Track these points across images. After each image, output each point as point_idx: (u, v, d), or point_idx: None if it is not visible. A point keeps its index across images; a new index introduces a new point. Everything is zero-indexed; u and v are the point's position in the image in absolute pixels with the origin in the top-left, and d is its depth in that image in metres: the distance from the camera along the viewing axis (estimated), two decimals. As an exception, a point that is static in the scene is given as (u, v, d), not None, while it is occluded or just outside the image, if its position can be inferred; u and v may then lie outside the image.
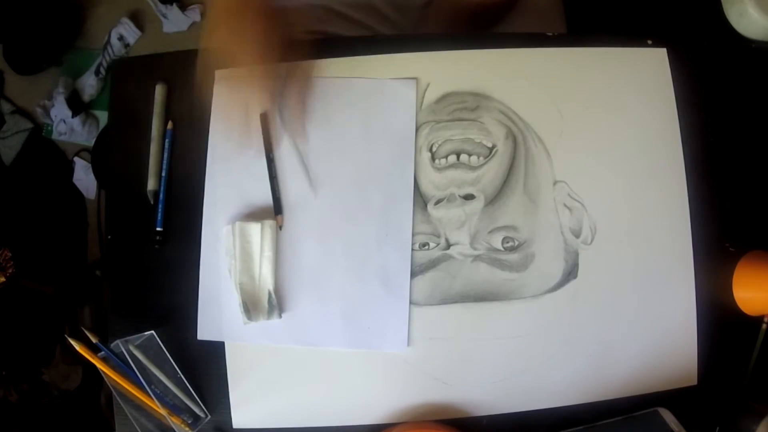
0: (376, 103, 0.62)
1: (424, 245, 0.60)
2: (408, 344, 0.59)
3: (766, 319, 0.62)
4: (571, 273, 0.61)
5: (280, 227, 0.60)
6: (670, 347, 0.61)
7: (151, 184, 0.62)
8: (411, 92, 0.62)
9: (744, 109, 0.65)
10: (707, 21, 0.69)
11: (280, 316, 0.59)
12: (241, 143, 0.60)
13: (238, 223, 0.59)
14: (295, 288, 0.60)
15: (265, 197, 0.61)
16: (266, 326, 0.60)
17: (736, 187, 0.64)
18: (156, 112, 0.63)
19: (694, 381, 0.60)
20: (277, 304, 0.59)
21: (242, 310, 0.58)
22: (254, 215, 0.61)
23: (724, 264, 0.62)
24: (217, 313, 0.60)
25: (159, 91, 0.64)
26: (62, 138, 1.56)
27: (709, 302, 0.61)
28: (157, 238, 0.62)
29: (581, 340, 0.60)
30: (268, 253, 0.59)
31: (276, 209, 0.60)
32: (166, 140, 0.63)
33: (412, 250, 0.60)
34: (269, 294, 0.59)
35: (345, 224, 0.60)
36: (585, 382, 0.60)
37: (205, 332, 0.60)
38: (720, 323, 0.61)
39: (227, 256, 0.60)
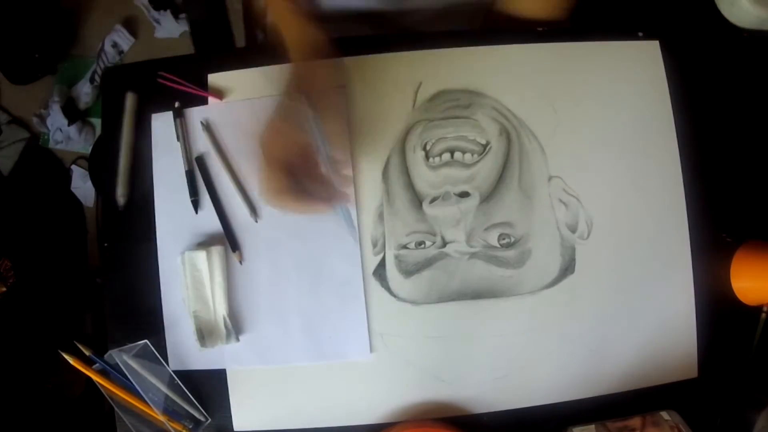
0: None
1: (420, 244, 0.60)
2: (371, 351, 0.59)
3: (765, 309, 0.61)
4: (568, 268, 0.60)
5: (241, 262, 0.60)
6: (670, 340, 0.61)
7: (120, 192, 0.63)
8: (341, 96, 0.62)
9: (737, 98, 0.65)
10: (698, 11, 0.69)
11: (238, 339, 0.59)
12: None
13: (186, 253, 0.59)
14: (253, 309, 0.60)
15: (216, 224, 0.61)
16: (229, 350, 0.60)
17: (731, 177, 0.64)
18: (126, 122, 0.64)
19: (694, 373, 0.60)
20: (232, 329, 0.59)
21: (196, 337, 0.59)
22: (207, 243, 0.61)
23: (721, 255, 0.62)
24: (184, 342, 0.60)
25: (129, 100, 0.64)
26: (59, 146, 1.56)
27: (707, 293, 0.61)
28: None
29: (580, 335, 0.60)
30: (219, 279, 0.59)
31: (232, 246, 0.60)
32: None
33: (408, 249, 0.60)
34: (224, 319, 0.59)
35: (292, 241, 0.61)
36: (585, 377, 0.60)
37: (175, 362, 0.60)
38: (719, 314, 0.61)
39: (182, 287, 0.60)
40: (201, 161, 0.62)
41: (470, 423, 0.59)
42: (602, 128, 0.63)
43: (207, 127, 0.62)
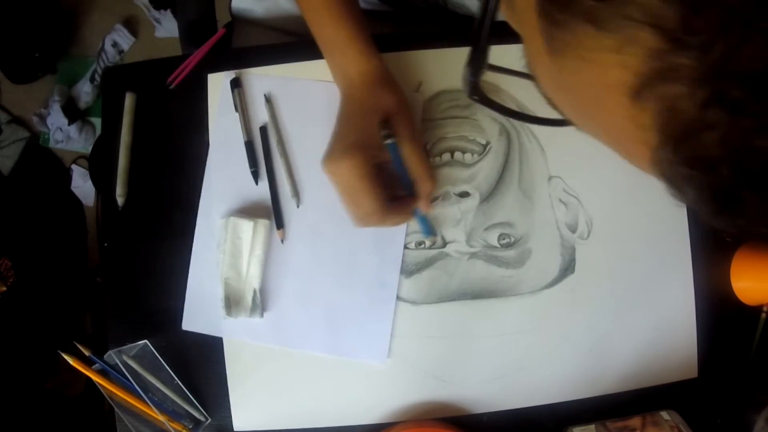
0: None
1: (420, 244, 0.60)
2: (388, 356, 0.59)
3: (765, 309, 0.61)
4: (568, 268, 0.60)
5: (282, 241, 0.61)
6: (670, 340, 0.61)
7: (119, 191, 0.63)
8: None
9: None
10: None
11: (262, 316, 0.59)
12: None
13: (231, 218, 0.59)
14: (281, 288, 0.60)
15: (264, 195, 0.61)
16: (248, 323, 0.60)
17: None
18: (125, 121, 0.63)
19: (694, 373, 0.60)
20: (260, 304, 0.59)
21: (223, 305, 0.59)
22: (250, 212, 0.61)
23: (721, 255, 0.62)
24: (203, 305, 0.60)
25: (128, 99, 0.64)
26: (59, 146, 1.56)
27: (707, 293, 0.61)
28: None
29: (580, 335, 0.60)
30: (258, 252, 0.59)
31: (278, 223, 0.61)
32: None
33: (409, 249, 0.60)
34: (254, 292, 0.59)
35: (336, 230, 0.60)
36: (585, 376, 0.60)
37: (189, 323, 0.61)
38: (719, 314, 0.61)
39: (217, 249, 0.60)
40: (263, 132, 0.62)
41: (470, 423, 0.59)
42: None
43: (269, 100, 0.62)
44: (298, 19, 0.73)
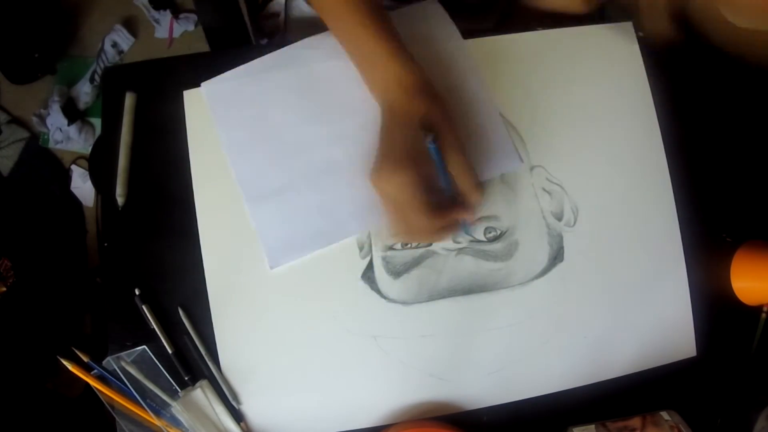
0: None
1: (406, 243, 0.60)
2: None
3: (765, 309, 0.61)
4: (557, 257, 0.60)
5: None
6: (666, 322, 0.61)
7: (119, 191, 0.62)
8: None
9: (717, 75, 0.65)
10: None
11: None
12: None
13: (179, 402, 0.57)
14: None
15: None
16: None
17: (728, 176, 0.64)
18: (125, 121, 0.63)
19: (693, 352, 0.60)
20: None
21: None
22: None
23: (721, 255, 0.62)
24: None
25: (128, 99, 0.64)
26: (59, 146, 1.56)
27: (707, 293, 0.61)
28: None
29: (574, 323, 0.60)
30: (220, 408, 0.58)
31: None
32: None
33: (395, 249, 0.60)
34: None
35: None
36: (582, 364, 0.59)
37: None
38: (719, 313, 0.61)
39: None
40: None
41: (470, 421, 0.58)
42: (582, 115, 0.62)
43: None
44: None
